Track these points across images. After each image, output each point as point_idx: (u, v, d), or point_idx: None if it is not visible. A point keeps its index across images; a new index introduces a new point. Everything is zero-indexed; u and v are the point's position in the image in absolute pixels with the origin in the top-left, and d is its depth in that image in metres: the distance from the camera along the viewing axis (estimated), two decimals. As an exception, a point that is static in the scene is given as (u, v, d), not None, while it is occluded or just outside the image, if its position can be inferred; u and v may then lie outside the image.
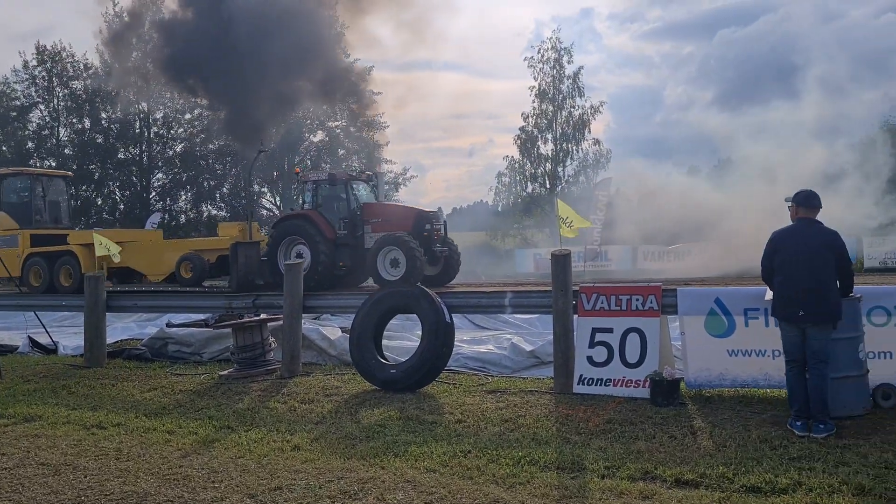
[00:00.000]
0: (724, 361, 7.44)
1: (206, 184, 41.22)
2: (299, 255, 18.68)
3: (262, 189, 42.29)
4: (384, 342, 9.64)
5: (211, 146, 40.36)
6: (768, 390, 7.34)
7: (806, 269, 6.11)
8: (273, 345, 10.12)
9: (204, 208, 41.74)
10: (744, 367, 7.38)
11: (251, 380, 9.33)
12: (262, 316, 10.61)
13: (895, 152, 23.85)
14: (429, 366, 8.42)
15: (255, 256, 18.85)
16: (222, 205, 42.28)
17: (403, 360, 8.95)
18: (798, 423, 6.07)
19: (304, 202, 20.49)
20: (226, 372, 9.80)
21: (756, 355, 7.31)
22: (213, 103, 26.70)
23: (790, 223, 6.49)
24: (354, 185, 20.14)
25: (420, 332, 9.09)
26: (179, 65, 23.10)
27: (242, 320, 10.71)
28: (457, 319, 10.82)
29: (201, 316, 14.97)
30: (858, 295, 6.56)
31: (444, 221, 20.34)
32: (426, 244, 18.51)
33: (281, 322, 10.01)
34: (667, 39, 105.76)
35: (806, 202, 6.32)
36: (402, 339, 11.67)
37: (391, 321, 9.80)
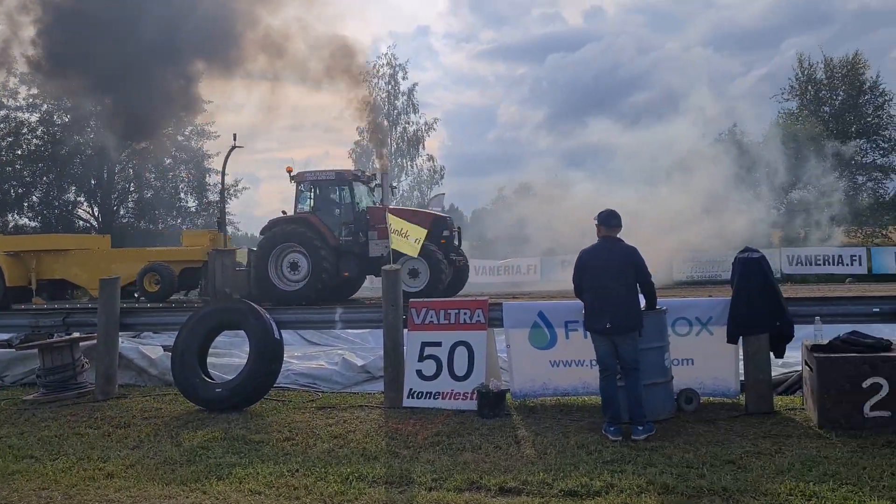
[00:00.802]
0: (547, 372, 7.78)
1: (11, 192, 37.90)
2: (294, 265, 17.40)
3: (79, 198, 39.45)
4: (211, 360, 9.26)
5: (19, 151, 37.15)
6: (587, 398, 7.75)
7: (611, 284, 6.53)
8: (86, 366, 9.43)
9: (10, 218, 38.27)
10: (565, 376, 7.75)
11: (60, 404, 8.64)
12: (75, 335, 9.86)
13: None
14: (257, 383, 8.18)
15: (231, 266, 17.31)
16: (31, 214, 38.94)
17: (231, 377, 8.64)
18: (612, 429, 6.43)
19: (297, 204, 18.63)
20: (31, 396, 9.02)
21: (576, 365, 7.70)
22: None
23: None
24: (356, 187, 18.53)
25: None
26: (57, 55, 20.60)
27: (50, 340, 9.90)
28: (287, 335, 10.60)
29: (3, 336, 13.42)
30: (664, 307, 7.09)
31: (459, 227, 19.21)
32: (443, 252, 17.31)
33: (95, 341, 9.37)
34: (501, 60, 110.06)
35: (606, 221, 6.76)
36: (232, 356, 11.25)
37: (218, 338, 9.43)
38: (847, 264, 27.46)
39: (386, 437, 6.83)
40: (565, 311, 7.75)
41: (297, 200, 18.84)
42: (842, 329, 7.00)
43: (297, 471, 5.93)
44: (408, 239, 9.06)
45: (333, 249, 17.36)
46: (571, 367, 7.72)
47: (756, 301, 6.93)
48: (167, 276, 17.54)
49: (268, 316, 8.44)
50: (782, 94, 39.35)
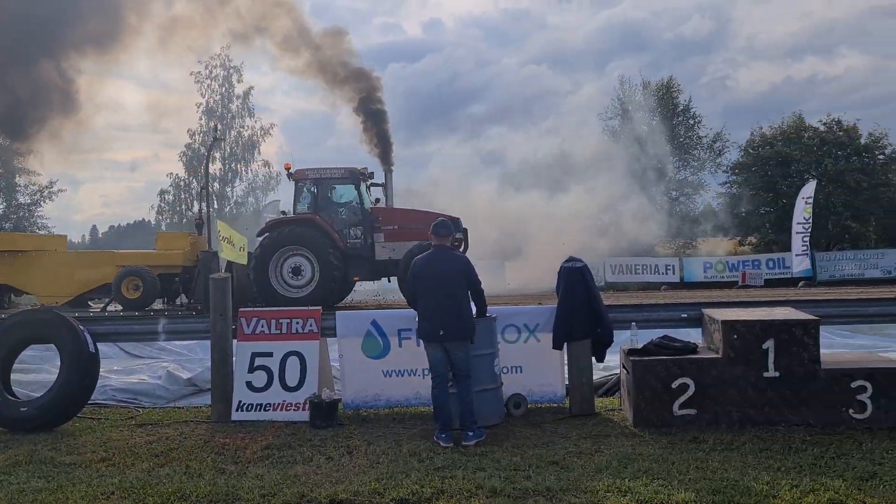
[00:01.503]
0: (380, 382, 7.77)
1: None
2: (297, 269, 15.82)
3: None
4: (17, 377, 8.50)
5: None
6: (420, 407, 7.82)
7: (443, 292, 6.63)
8: None
9: None
10: (397, 387, 7.77)
11: None
12: None
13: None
14: (69, 401, 7.59)
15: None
16: None
17: (39, 395, 7.96)
18: (443, 436, 6.51)
19: (297, 204, 16.99)
20: None
21: (408, 375, 7.75)
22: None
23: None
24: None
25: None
26: None
27: None
28: (107, 348, 9.94)
29: None
30: (494, 315, 7.28)
31: (466, 229, 17.57)
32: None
33: None
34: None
35: (437, 231, 6.87)
36: (42, 371, 10.40)
37: (25, 352, 8.67)
38: (662, 273, 29.62)
39: (212, 453, 6.53)
40: (399, 320, 7.78)
41: (297, 200, 17.33)
42: (655, 333, 7.48)
43: (113, 493, 5.53)
44: (233, 246, 8.77)
45: (341, 252, 16.15)
46: (404, 376, 7.76)
47: (579, 308, 7.28)
48: (150, 282, 16.01)
49: (82, 328, 7.85)
50: (606, 112, 41.91)
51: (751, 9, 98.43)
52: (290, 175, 17.67)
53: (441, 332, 6.56)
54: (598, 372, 9.24)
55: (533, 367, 7.68)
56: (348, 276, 16.28)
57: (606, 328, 7.42)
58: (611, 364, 8.85)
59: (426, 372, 6.99)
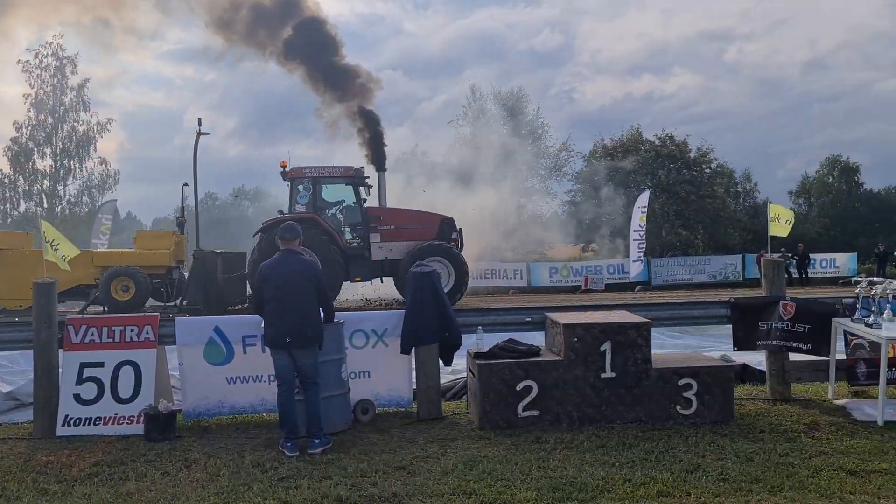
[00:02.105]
0: (223, 389, 7.47)
1: None
2: None
3: None
4: None
5: None
6: (265, 414, 7.59)
7: (290, 298, 6.46)
8: None
9: None
10: (242, 393, 7.51)
11: None
12: None
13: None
14: None
15: (213, 271, 14.88)
16: None
17: None
18: (289, 444, 6.34)
19: (294, 203, 16.48)
20: None
21: (254, 381, 7.50)
22: None
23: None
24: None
25: None
26: None
27: None
28: None
29: None
30: (341, 320, 7.19)
31: (461, 229, 17.59)
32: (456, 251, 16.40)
33: None
34: (190, 63, 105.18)
35: (282, 235, 6.70)
36: None
37: None
38: (511, 278, 30.49)
39: (33, 473, 6.03)
40: (243, 326, 7.52)
41: (294, 199, 16.86)
42: (501, 337, 7.65)
43: (-88, 523, 4.99)
44: (57, 252, 8.17)
45: (342, 253, 15.93)
46: (249, 383, 7.50)
47: (427, 313, 7.33)
48: (142, 282, 15.39)
49: None
50: (458, 119, 42.73)
51: (595, 26, 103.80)
52: (283, 173, 17.32)
53: (288, 340, 6.39)
54: (447, 376, 9.37)
55: (381, 372, 7.64)
56: (350, 277, 16.07)
57: (454, 332, 7.51)
58: (458, 368, 8.97)
59: (272, 377, 6.78)
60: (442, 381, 8.07)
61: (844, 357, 7.90)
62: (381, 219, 17.05)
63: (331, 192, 17.29)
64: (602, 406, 6.87)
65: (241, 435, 7.02)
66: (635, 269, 26.84)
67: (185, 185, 21.52)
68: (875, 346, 7.34)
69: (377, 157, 19.98)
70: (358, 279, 16.47)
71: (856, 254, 34.68)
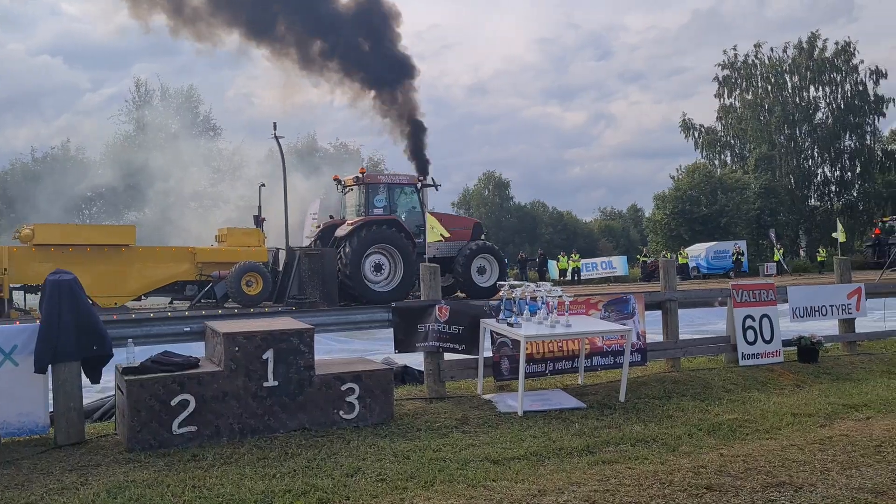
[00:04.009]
0: None
1: None
2: (378, 266, 17.58)
3: None
4: None
5: None
6: None
7: None
8: None
9: None
10: None
11: None
12: None
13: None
14: None
15: (333, 268, 16.52)
16: None
17: None
18: None
19: (371, 206, 18.62)
20: None
21: None
22: None
23: None
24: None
25: None
26: None
27: None
28: None
29: None
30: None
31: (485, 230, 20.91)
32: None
33: None
34: None
35: None
36: None
37: None
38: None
39: None
40: None
41: (371, 203, 18.99)
42: (157, 350, 7.07)
43: None
44: None
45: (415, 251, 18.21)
46: None
47: (66, 326, 6.50)
48: (266, 278, 16.55)
49: None
50: (119, 114, 39.59)
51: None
52: (358, 179, 19.76)
53: None
54: (96, 395, 8.47)
55: (8, 396, 6.60)
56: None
57: (102, 346, 6.76)
58: (109, 385, 8.15)
59: None
60: (90, 400, 7.25)
61: (491, 355, 8.60)
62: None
63: (400, 197, 19.79)
64: (265, 416, 6.67)
65: None
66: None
67: (262, 185, 22.06)
68: (517, 344, 8.09)
69: (421, 165, 23.08)
70: None
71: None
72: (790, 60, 61.41)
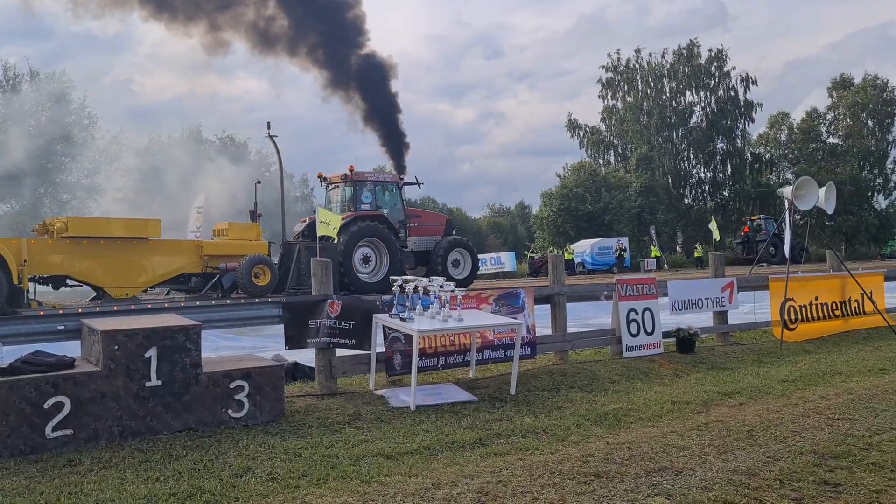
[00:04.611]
0: None
1: None
2: (366, 259, 19.47)
3: None
4: None
5: None
6: None
7: None
8: None
9: None
10: None
11: None
12: None
13: None
14: None
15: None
16: None
17: None
18: None
19: (359, 202, 20.31)
20: None
21: None
22: None
23: None
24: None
25: None
26: None
27: None
28: None
29: None
30: None
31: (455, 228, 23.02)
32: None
33: None
34: None
35: None
36: None
37: None
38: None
39: None
40: None
41: (358, 199, 20.22)
42: (28, 349, 6.64)
43: None
44: None
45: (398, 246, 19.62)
46: None
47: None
48: (273, 269, 17.74)
49: None
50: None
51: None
52: (346, 176, 21.05)
53: None
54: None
55: None
56: (403, 265, 19.59)
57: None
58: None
59: None
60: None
61: (384, 350, 8.56)
62: (410, 217, 20.94)
63: (384, 195, 20.91)
64: (147, 417, 6.38)
65: None
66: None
67: (258, 182, 23.17)
68: (409, 339, 8.08)
69: (398, 163, 25.68)
70: (407, 267, 19.69)
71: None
72: (668, 66, 64.28)
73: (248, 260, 17.74)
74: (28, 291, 16.30)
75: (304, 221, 21.76)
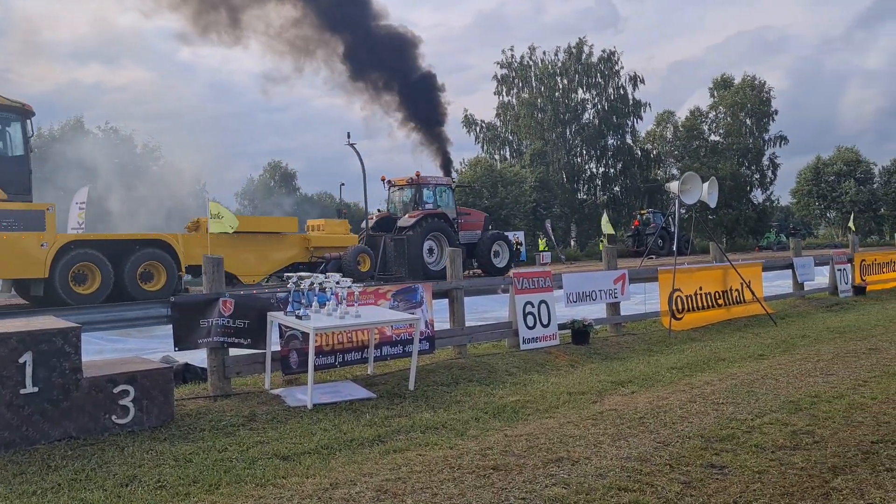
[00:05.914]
0: None
1: None
2: (430, 250, 23.13)
3: None
4: None
5: None
6: None
7: None
8: None
9: None
10: None
11: None
12: None
13: None
14: None
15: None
16: None
17: None
18: None
19: (423, 202, 24.32)
20: None
21: None
22: None
23: None
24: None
25: None
26: None
27: None
28: None
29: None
30: None
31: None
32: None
33: None
34: None
35: None
36: None
37: None
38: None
39: None
40: None
41: (421, 199, 24.53)
42: None
43: None
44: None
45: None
46: None
47: None
48: (373, 258, 21.24)
49: None
50: None
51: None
52: (411, 180, 25.05)
53: None
54: None
55: None
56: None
57: None
58: None
59: None
60: None
61: (279, 348, 8.35)
62: (460, 215, 24.35)
63: (441, 195, 24.31)
64: (22, 427, 5.97)
65: None
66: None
67: (343, 184, 28.30)
68: (306, 336, 7.90)
69: (446, 167, 31.46)
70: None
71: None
72: (560, 63, 65.75)
73: (352, 249, 20.96)
74: (181, 278, 19.21)
75: (372, 217, 25.39)
